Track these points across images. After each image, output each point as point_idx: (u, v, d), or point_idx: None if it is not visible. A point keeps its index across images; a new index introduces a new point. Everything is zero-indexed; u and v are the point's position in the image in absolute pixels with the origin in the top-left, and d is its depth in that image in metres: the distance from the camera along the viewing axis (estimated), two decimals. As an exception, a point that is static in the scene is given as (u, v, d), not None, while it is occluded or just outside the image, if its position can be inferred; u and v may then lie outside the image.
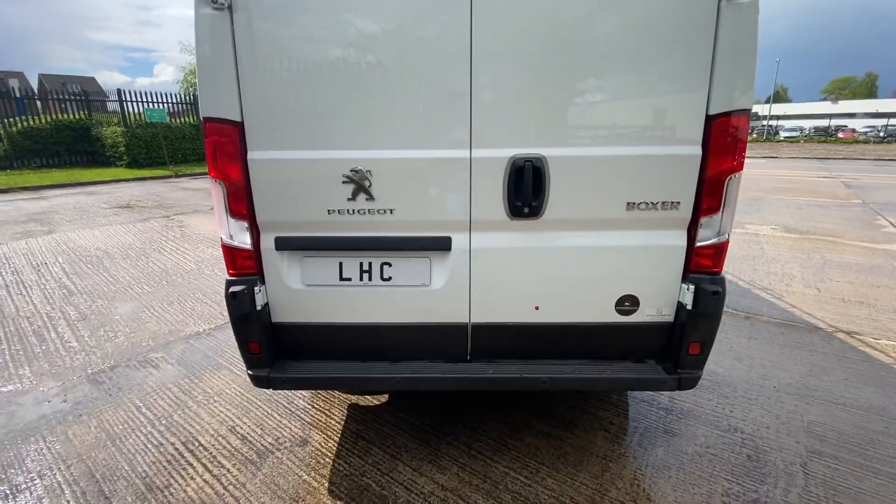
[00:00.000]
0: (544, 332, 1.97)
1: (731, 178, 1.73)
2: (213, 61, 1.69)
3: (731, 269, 5.10)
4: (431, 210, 1.83)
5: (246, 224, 1.85)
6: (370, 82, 1.71)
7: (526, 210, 1.79)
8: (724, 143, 1.69)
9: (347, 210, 1.83)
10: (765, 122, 46.98)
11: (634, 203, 1.79)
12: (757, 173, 15.29)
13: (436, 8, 1.65)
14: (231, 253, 1.88)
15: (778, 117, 58.91)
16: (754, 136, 44.55)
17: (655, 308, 1.92)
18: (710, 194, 1.75)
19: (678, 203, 1.78)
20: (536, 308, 1.94)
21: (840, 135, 40.72)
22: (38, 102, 17.80)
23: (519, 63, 1.68)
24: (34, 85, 49.35)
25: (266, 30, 1.67)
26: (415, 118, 1.74)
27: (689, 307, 1.83)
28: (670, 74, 1.68)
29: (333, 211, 1.83)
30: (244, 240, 1.86)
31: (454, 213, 1.82)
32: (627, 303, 1.91)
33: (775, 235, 6.63)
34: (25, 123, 15.42)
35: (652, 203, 1.78)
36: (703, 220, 1.78)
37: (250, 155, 1.78)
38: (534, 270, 1.89)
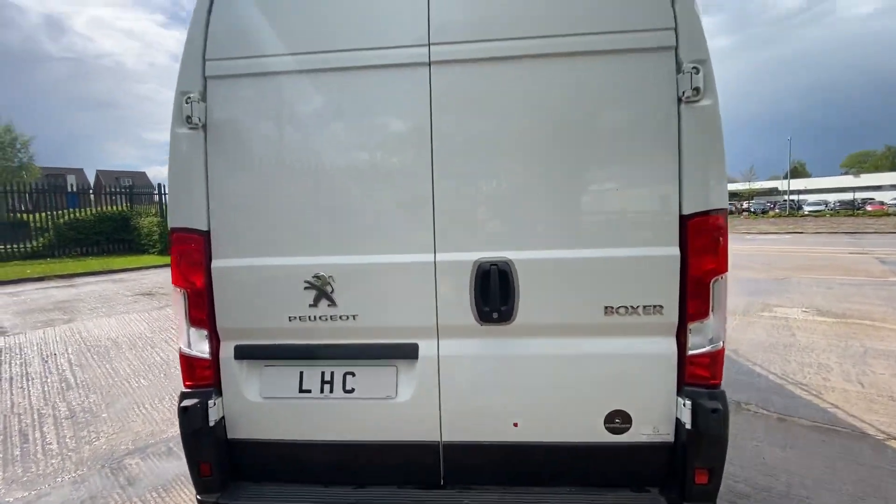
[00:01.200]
0: (526, 452, 1.74)
1: (716, 281, 1.59)
2: (186, 175, 1.74)
3: (760, 359, 4.68)
4: (396, 316, 1.73)
5: (206, 332, 1.78)
6: (331, 189, 1.72)
7: (495, 315, 1.67)
8: (702, 243, 1.58)
9: (309, 317, 1.75)
10: (786, 198, 46.85)
11: (613, 307, 1.65)
12: (782, 250, 14.84)
13: (395, 114, 1.70)
14: (189, 363, 1.79)
15: (799, 192, 58.87)
16: (777, 211, 44.21)
17: (651, 426, 1.68)
18: (696, 298, 1.60)
19: (661, 307, 1.63)
20: (515, 425, 1.73)
21: (868, 207, 39.92)
22: (92, 196, 19.53)
23: (481, 165, 1.67)
24: (91, 180, 54.49)
25: (234, 144, 1.74)
26: (377, 223, 1.72)
27: (688, 426, 1.60)
28: (639, 175, 1.63)
29: (295, 318, 1.76)
30: (202, 349, 1.78)
31: (420, 318, 1.72)
32: (618, 419, 1.69)
33: (807, 319, 6.18)
34: (72, 215, 16.70)
35: (632, 307, 1.64)
36: (691, 325, 1.62)
37: (214, 263, 1.76)
38: (509, 381, 1.72)
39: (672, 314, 1.63)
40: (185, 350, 1.78)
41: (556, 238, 1.67)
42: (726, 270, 1.60)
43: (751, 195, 62.08)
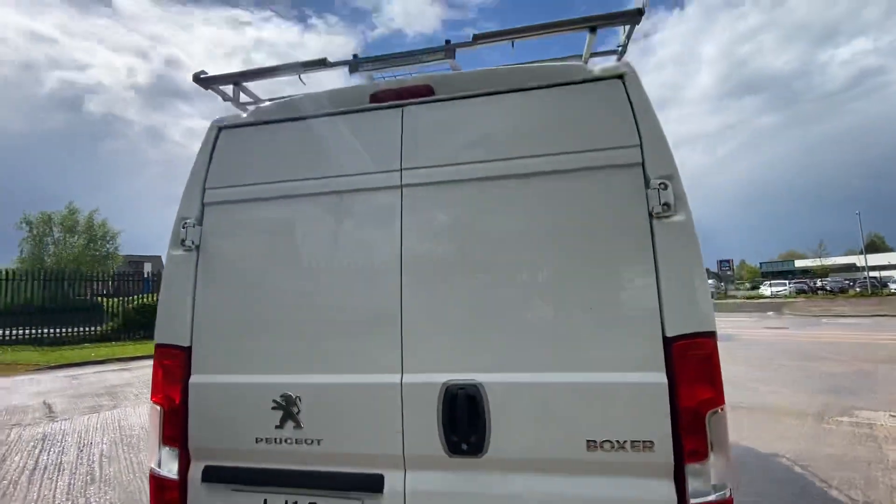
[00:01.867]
0: None
1: (713, 414, 1.39)
2: (176, 293, 1.84)
3: (837, 479, 3.94)
4: (361, 442, 1.63)
5: (177, 451, 1.76)
6: (301, 307, 1.75)
7: (464, 446, 1.53)
8: (691, 369, 1.41)
9: (275, 439, 1.69)
10: (866, 275, 42.74)
11: (596, 441, 1.47)
12: (865, 337, 13.17)
13: (367, 235, 1.75)
14: (158, 483, 1.75)
15: (881, 268, 53.72)
16: (857, 289, 40.15)
17: None
18: (690, 433, 1.40)
19: (651, 443, 1.43)
20: (492, 580, 1.50)
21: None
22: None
23: (451, 283, 1.65)
24: (167, 265, 59.93)
25: (220, 264, 1.84)
26: (345, 342, 1.70)
27: None
28: (617, 293, 1.54)
29: (261, 439, 1.70)
30: (172, 468, 1.75)
31: (386, 446, 1.60)
32: (612, 582, 1.42)
33: (898, 427, 5.24)
34: (141, 300, 18.17)
35: (618, 442, 1.45)
36: (688, 467, 1.40)
37: (192, 378, 1.79)
38: (481, 524, 1.52)
39: (665, 452, 1.42)
40: (156, 470, 1.75)
41: (529, 360, 1.56)
42: (723, 402, 1.40)
43: (825, 272, 57.36)
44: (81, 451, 5.48)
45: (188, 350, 1.80)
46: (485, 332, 1.60)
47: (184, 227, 1.86)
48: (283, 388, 1.70)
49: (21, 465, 5.02)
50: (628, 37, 1.80)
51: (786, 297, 40.31)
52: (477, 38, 1.83)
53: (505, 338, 1.58)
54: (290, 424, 1.68)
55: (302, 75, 2.04)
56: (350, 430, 1.65)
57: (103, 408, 7.52)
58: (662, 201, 1.50)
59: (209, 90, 2.09)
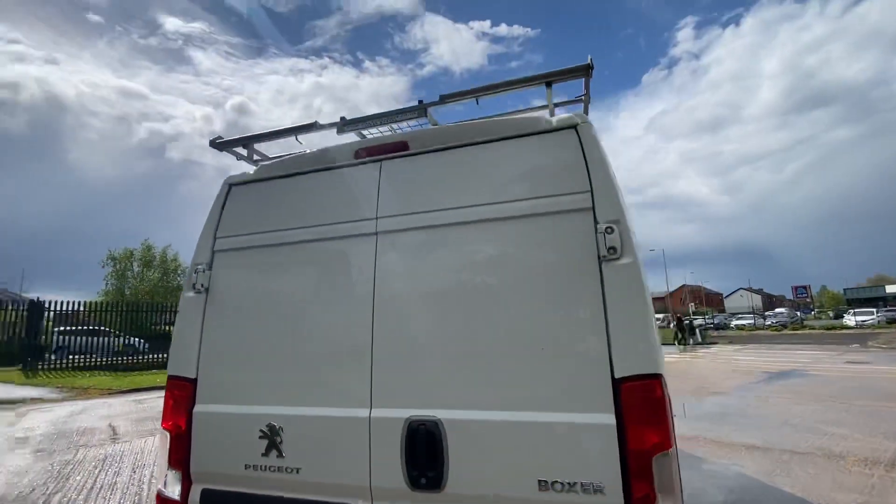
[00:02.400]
0: None
1: (661, 457, 1.39)
2: (187, 330, 2.09)
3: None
4: (334, 473, 1.75)
5: (180, 474, 1.95)
6: (287, 342, 1.93)
7: (423, 481, 1.60)
8: (638, 411, 1.42)
9: (260, 466, 1.84)
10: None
11: (548, 482, 1.49)
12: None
13: (345, 276, 1.91)
14: (163, 503, 1.94)
15: None
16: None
17: None
18: (638, 477, 1.39)
19: (601, 487, 1.44)
20: None
21: None
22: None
23: (416, 323, 1.77)
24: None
25: (223, 304, 2.08)
26: (323, 376, 1.84)
27: None
28: (568, 334, 1.59)
29: (249, 466, 1.86)
30: (175, 490, 1.94)
31: (355, 478, 1.71)
32: None
33: None
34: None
35: (569, 484, 1.47)
36: (636, 513, 1.38)
37: (196, 407, 2.00)
38: (441, 562, 1.57)
39: (615, 496, 1.42)
40: (162, 491, 1.96)
41: (485, 398, 1.63)
42: (671, 446, 1.39)
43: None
44: (134, 472, 5.94)
45: (195, 381, 2.03)
46: (445, 369, 1.69)
47: (195, 272, 2.12)
48: (268, 419, 1.87)
49: (80, 483, 5.52)
50: (587, 87, 1.90)
51: (873, 327, 36.05)
52: (444, 98, 2.00)
53: (463, 376, 1.66)
54: (273, 453, 1.83)
55: (299, 136, 2.30)
56: (325, 460, 1.77)
57: (159, 431, 8.09)
58: (609, 245, 1.55)
59: (224, 151, 2.40)
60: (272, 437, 1.85)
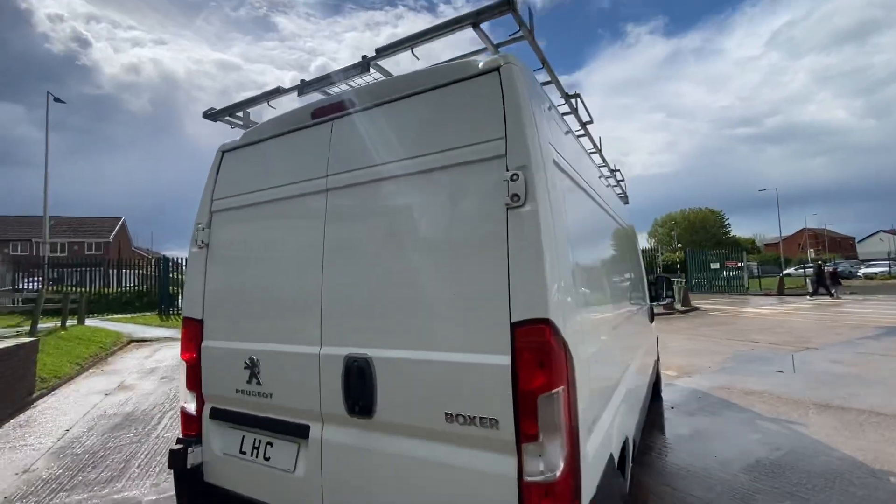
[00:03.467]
0: (387, 551, 1.75)
1: (544, 398, 1.44)
2: (194, 279, 2.48)
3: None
4: (295, 399, 2.04)
5: (195, 395, 2.41)
6: (263, 288, 2.22)
7: (357, 408, 1.82)
8: (528, 353, 1.47)
9: (245, 391, 2.20)
10: None
11: (453, 414, 1.63)
12: None
13: (305, 231, 2.10)
14: (185, 416, 2.43)
15: None
16: None
17: None
18: (525, 415, 1.47)
19: (497, 421, 1.54)
20: (379, 520, 1.78)
21: None
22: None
23: (354, 271, 1.93)
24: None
25: (218, 257, 2.41)
26: (288, 318, 2.11)
27: None
28: (476, 280, 1.65)
29: (239, 391, 2.23)
30: (192, 408, 2.40)
31: (310, 404, 1.98)
32: (463, 539, 1.59)
33: None
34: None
35: (469, 417, 1.59)
36: (524, 446, 1.47)
37: (203, 343, 2.41)
38: (372, 476, 1.81)
39: (508, 431, 1.51)
40: (185, 407, 2.43)
41: (404, 338, 1.77)
42: (557, 386, 1.43)
43: None
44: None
45: (201, 322, 2.43)
46: (375, 313, 1.85)
47: (197, 230, 2.47)
48: (250, 353, 2.20)
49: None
50: (519, 22, 1.78)
51: None
52: (379, 52, 2.01)
53: (388, 318, 1.81)
54: (254, 381, 2.18)
55: (271, 101, 2.47)
56: (289, 388, 2.07)
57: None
58: (513, 192, 1.54)
59: (218, 121, 2.67)
60: (252, 368, 2.19)
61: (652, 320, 5.43)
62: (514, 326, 1.51)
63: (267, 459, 2.12)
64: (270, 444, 2.14)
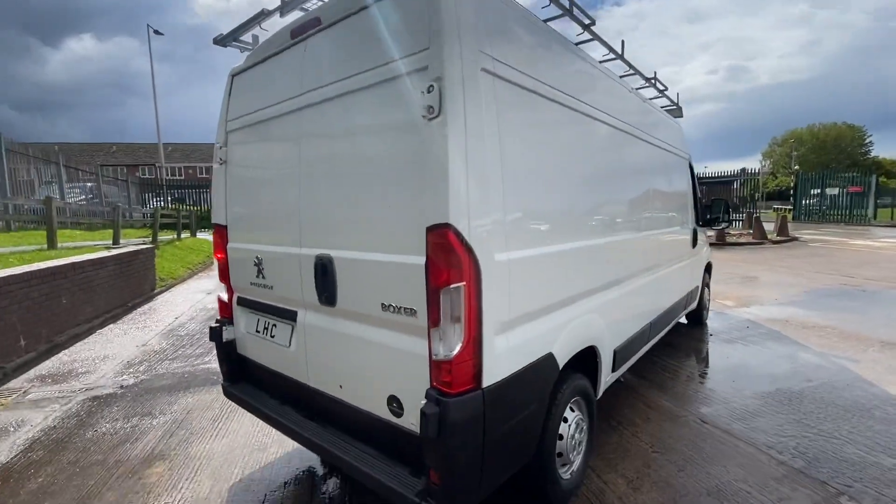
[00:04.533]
0: (346, 410, 2.18)
1: (445, 291, 1.65)
2: (218, 191, 2.93)
3: None
4: (286, 290, 2.46)
5: (226, 286, 2.96)
6: (263, 199, 2.58)
7: (324, 298, 2.18)
8: (435, 254, 1.67)
9: (256, 283, 2.68)
10: None
11: (387, 304, 1.90)
12: None
13: (290, 146, 2.37)
14: (221, 303, 3.02)
15: None
16: None
17: (415, 416, 1.86)
18: (432, 305, 1.70)
19: (415, 311, 1.79)
20: (340, 387, 2.20)
21: None
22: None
23: (319, 183, 2.20)
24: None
25: (234, 171, 2.81)
26: (279, 224, 2.47)
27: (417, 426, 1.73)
28: (403, 190, 1.82)
29: (252, 284, 2.72)
30: (225, 296, 2.98)
31: (296, 294, 2.39)
32: (394, 404, 1.94)
33: None
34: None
35: (398, 307, 1.86)
36: (432, 331, 1.72)
37: (229, 245, 2.91)
38: (336, 353, 2.20)
39: (423, 319, 1.76)
40: (220, 296, 3.01)
41: (354, 241, 2.04)
42: (454, 283, 1.63)
43: None
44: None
45: (226, 227, 2.91)
46: (334, 220, 2.13)
47: (217, 149, 2.87)
48: (257, 253, 2.64)
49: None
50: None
51: None
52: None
53: (343, 224, 2.08)
54: (260, 276, 2.63)
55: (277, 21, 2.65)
56: (282, 281, 2.49)
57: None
58: (427, 104, 1.63)
59: (227, 47, 2.92)
60: (259, 266, 2.63)
61: (694, 245, 5.14)
62: (427, 231, 1.69)
63: (272, 337, 2.62)
64: (275, 325, 2.63)
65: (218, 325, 2.91)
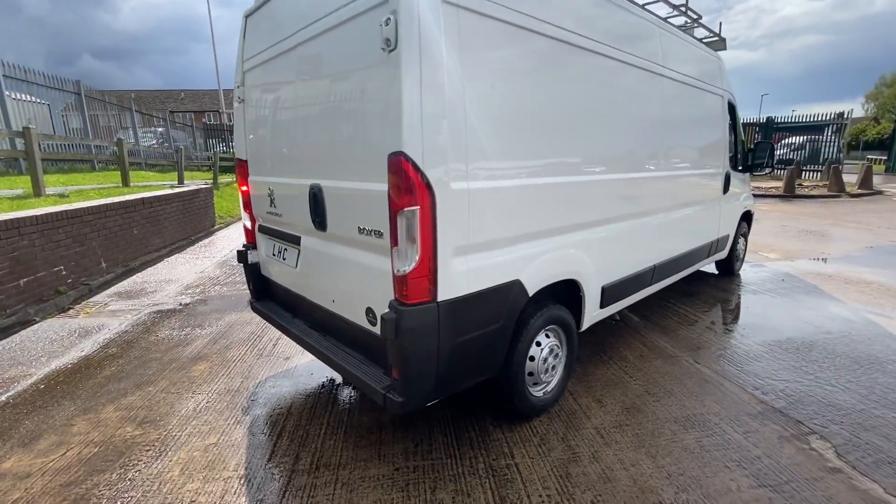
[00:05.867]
0: (338, 321, 2.51)
1: (401, 214, 1.84)
2: (239, 129, 3.24)
3: None
4: (291, 217, 2.77)
5: (249, 215, 3.34)
6: (275, 136, 2.85)
7: (317, 224, 2.46)
8: (392, 180, 1.85)
9: (269, 212, 3.02)
10: None
11: (362, 228, 2.14)
12: None
13: (297, 85, 2.58)
14: (246, 230, 3.42)
15: None
16: None
17: None
18: (392, 227, 1.91)
19: (381, 233, 2.01)
20: (333, 301, 2.53)
21: None
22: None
23: (312, 121, 2.41)
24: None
25: (250, 109, 3.08)
26: (285, 157, 2.74)
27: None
28: (371, 122, 1.99)
29: (268, 212, 3.06)
30: (249, 224, 3.37)
31: (298, 220, 2.69)
32: (370, 314, 2.22)
33: None
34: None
35: (369, 230, 2.09)
36: (393, 250, 1.94)
37: (250, 178, 3.25)
38: (329, 272, 2.51)
39: (387, 240, 1.98)
40: (245, 222, 3.41)
41: (336, 172, 2.27)
42: (409, 206, 1.81)
43: None
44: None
45: (246, 162, 3.24)
46: (322, 153, 2.36)
47: (236, 89, 3.14)
48: (269, 185, 2.95)
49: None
50: None
51: None
52: None
53: (328, 157, 2.30)
54: (273, 205, 2.96)
55: None
56: (288, 209, 2.79)
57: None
58: (385, 36, 1.74)
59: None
60: (271, 196, 2.95)
61: (726, 191, 4.88)
62: (388, 159, 1.86)
63: (284, 259, 2.99)
64: (285, 249, 2.98)
65: (244, 249, 3.33)
